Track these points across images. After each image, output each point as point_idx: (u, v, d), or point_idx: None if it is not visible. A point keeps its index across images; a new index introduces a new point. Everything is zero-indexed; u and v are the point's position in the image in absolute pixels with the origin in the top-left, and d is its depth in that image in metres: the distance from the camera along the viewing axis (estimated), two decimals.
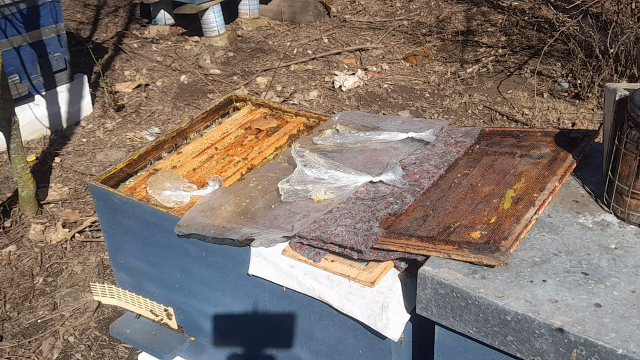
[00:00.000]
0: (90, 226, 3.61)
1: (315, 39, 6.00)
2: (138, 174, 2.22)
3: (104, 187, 2.08)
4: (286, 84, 5.20)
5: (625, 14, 4.93)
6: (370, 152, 2.05)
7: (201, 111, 2.51)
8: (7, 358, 2.82)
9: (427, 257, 1.52)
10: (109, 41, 6.11)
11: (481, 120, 4.51)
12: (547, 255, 1.50)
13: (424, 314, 1.52)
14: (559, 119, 4.41)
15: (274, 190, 1.93)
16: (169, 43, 6.09)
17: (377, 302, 1.56)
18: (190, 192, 2.01)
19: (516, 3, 6.31)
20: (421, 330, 1.66)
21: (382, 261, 1.63)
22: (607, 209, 1.65)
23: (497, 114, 4.57)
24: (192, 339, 2.18)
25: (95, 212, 3.11)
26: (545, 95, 4.74)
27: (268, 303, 1.85)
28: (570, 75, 4.85)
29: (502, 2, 6.40)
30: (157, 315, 2.22)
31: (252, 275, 1.79)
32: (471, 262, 1.47)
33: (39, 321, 3.03)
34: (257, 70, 5.46)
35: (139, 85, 5.26)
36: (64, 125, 4.66)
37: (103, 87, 4.95)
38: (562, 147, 1.85)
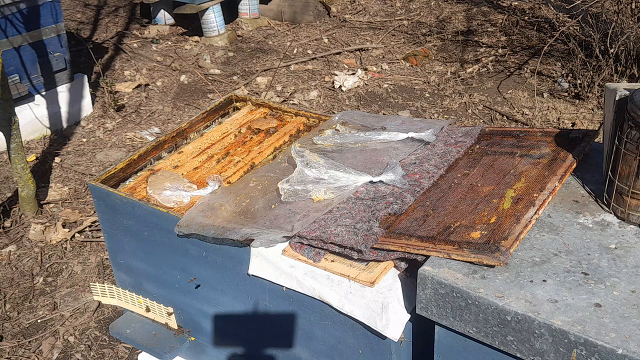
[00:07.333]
0: (90, 226, 3.61)
1: (315, 39, 6.00)
2: (138, 174, 2.22)
3: (104, 187, 2.08)
4: (286, 84, 5.20)
5: (625, 14, 4.93)
6: (370, 152, 2.05)
7: (201, 111, 2.51)
8: (7, 358, 2.82)
9: (427, 257, 1.52)
10: (109, 41, 6.11)
11: (481, 120, 4.51)
12: (547, 255, 1.50)
13: (424, 314, 1.52)
14: (559, 119, 4.41)
15: (274, 190, 1.92)
16: (169, 43, 6.09)
17: (377, 302, 1.56)
18: (190, 192, 2.01)
19: (516, 3, 6.31)
20: (421, 330, 1.66)
21: (382, 261, 1.63)
22: (607, 209, 1.65)
23: (497, 114, 4.57)
24: (192, 339, 2.18)
25: (95, 212, 3.11)
26: (545, 95, 4.73)
27: (268, 303, 1.84)
28: (570, 75, 4.85)
29: (502, 2, 6.40)
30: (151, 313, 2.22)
31: (252, 275, 1.79)
32: (471, 262, 1.47)
33: (39, 321, 3.03)
34: (257, 70, 5.46)
35: (139, 85, 5.26)
36: (64, 125, 4.66)
37: (103, 87, 4.95)
38: (562, 147, 1.85)
